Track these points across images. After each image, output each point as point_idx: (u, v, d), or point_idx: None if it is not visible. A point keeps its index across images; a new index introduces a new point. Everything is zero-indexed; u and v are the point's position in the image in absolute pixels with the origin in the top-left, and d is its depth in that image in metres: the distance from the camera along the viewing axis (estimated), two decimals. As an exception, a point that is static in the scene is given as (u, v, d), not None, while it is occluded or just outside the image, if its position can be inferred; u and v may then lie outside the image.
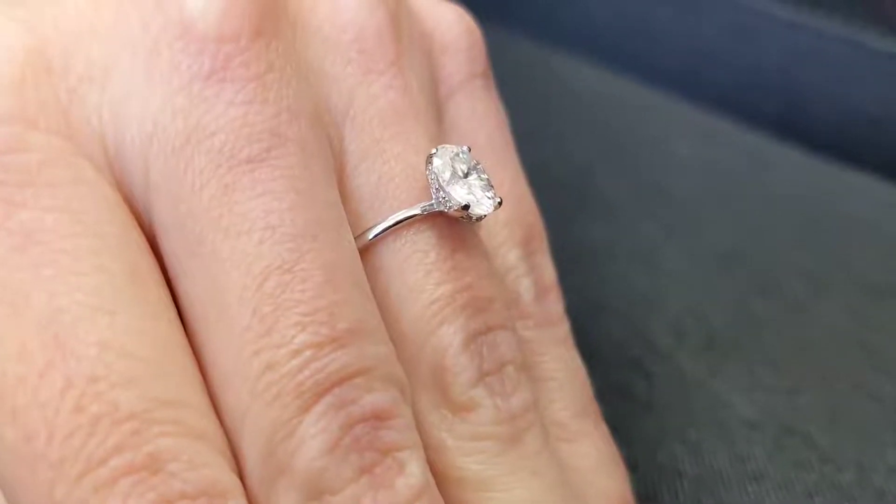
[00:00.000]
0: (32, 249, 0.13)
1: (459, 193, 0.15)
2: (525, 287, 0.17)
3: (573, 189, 0.32)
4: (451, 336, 0.15)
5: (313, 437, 0.13)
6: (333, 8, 0.16)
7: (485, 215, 0.15)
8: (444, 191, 0.15)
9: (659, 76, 0.39)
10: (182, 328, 0.14)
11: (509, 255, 0.18)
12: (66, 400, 0.12)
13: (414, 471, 0.14)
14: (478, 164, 0.16)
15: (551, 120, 0.36)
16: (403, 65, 0.17)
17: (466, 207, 0.15)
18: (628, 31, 0.41)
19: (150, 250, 0.14)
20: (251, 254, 0.13)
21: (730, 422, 0.23)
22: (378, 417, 0.14)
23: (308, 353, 0.13)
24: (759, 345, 0.26)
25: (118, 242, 0.13)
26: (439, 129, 0.17)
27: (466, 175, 0.16)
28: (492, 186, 0.16)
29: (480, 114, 0.18)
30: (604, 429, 0.18)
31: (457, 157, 0.16)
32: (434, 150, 0.16)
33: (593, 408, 0.18)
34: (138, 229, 0.14)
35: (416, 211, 0.15)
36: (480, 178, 0.16)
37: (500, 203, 0.16)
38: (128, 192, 0.14)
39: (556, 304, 0.18)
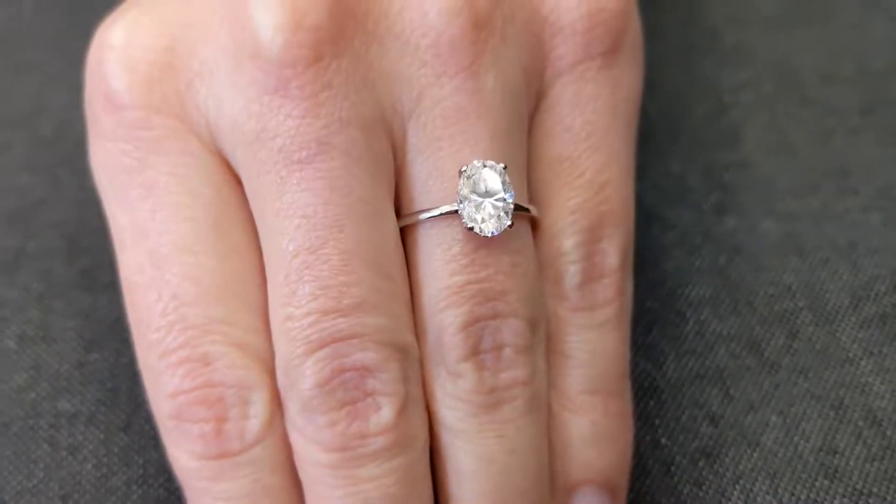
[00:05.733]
0: (151, 199, 0.19)
1: (467, 213, 0.17)
2: (571, 273, 0.19)
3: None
4: (451, 318, 0.18)
5: (311, 374, 0.18)
6: (419, 13, 0.18)
7: (493, 232, 0.18)
8: (459, 207, 0.18)
9: None
10: (256, 267, 0.19)
11: (566, 242, 0.19)
12: (157, 306, 0.18)
13: (387, 413, 0.18)
14: (509, 183, 0.18)
15: None
16: (480, 67, 0.18)
17: (471, 229, 0.18)
18: None
19: (242, 205, 0.19)
20: (289, 234, 0.18)
21: (852, 411, 0.23)
22: (366, 369, 0.18)
23: (315, 316, 0.18)
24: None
25: (208, 201, 0.19)
26: (522, 123, 0.19)
27: (493, 194, 0.18)
28: (509, 210, 0.18)
29: (586, 96, 0.19)
30: (614, 408, 0.20)
31: (484, 176, 0.18)
32: (464, 168, 0.18)
33: (610, 388, 0.20)
34: (235, 189, 0.19)
35: (454, 208, 0.18)
36: (503, 199, 0.18)
37: (510, 225, 0.18)
38: (227, 162, 0.19)
39: (606, 290, 0.20)
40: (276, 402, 0.19)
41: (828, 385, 0.23)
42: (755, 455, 0.22)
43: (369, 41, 0.18)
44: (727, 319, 0.24)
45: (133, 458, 0.22)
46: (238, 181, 0.19)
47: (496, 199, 0.18)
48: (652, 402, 0.23)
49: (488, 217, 0.18)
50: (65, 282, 0.24)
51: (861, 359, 0.24)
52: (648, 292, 0.25)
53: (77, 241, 0.25)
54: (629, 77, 0.20)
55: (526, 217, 0.19)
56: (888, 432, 0.22)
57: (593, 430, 0.19)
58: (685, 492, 0.22)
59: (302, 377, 0.18)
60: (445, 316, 0.18)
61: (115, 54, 0.19)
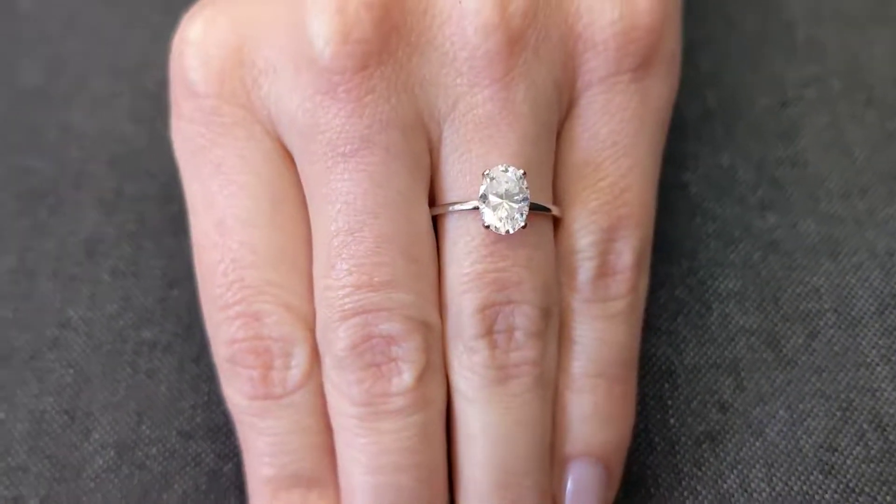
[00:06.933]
0: (219, 175, 0.21)
1: (485, 213, 0.20)
2: (585, 268, 0.21)
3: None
4: (469, 301, 0.21)
5: (344, 338, 0.21)
6: (458, 28, 0.20)
7: (508, 231, 0.20)
8: (479, 205, 0.20)
9: None
10: (306, 239, 0.21)
11: (582, 240, 0.21)
12: (219, 267, 0.21)
13: (407, 377, 0.21)
14: (526, 188, 0.20)
15: None
16: (512, 79, 0.20)
17: (488, 227, 0.20)
18: None
19: (297, 185, 0.21)
20: (332, 216, 0.20)
21: (859, 413, 0.24)
22: (392, 338, 0.21)
23: (349, 289, 0.20)
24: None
25: (267, 180, 0.21)
26: (550, 130, 0.21)
27: (511, 196, 0.20)
28: (524, 212, 0.20)
29: (614, 106, 0.21)
30: (617, 391, 0.22)
31: (504, 180, 0.19)
32: (487, 171, 0.20)
33: (615, 374, 0.22)
34: (292, 171, 0.21)
35: (478, 204, 0.20)
36: (521, 201, 0.20)
37: (524, 226, 0.20)
38: (285, 147, 0.21)
39: (619, 285, 0.21)
40: (315, 357, 0.21)
41: (840, 386, 0.24)
42: (757, 444, 0.24)
43: (411, 52, 0.20)
44: (751, 314, 0.26)
45: (200, 387, 0.25)
46: (294, 164, 0.21)
47: (512, 202, 0.20)
48: (667, 385, 0.25)
49: (504, 217, 0.20)
50: (156, 224, 0.27)
51: (878, 364, 0.25)
52: (679, 281, 0.26)
53: (169, 189, 0.28)
54: (659, 89, 0.21)
55: (547, 216, 0.21)
56: (891, 437, 0.24)
57: (594, 409, 0.22)
58: (685, 470, 0.24)
59: (336, 339, 0.21)
60: (465, 298, 0.21)
61: (193, 49, 0.21)
